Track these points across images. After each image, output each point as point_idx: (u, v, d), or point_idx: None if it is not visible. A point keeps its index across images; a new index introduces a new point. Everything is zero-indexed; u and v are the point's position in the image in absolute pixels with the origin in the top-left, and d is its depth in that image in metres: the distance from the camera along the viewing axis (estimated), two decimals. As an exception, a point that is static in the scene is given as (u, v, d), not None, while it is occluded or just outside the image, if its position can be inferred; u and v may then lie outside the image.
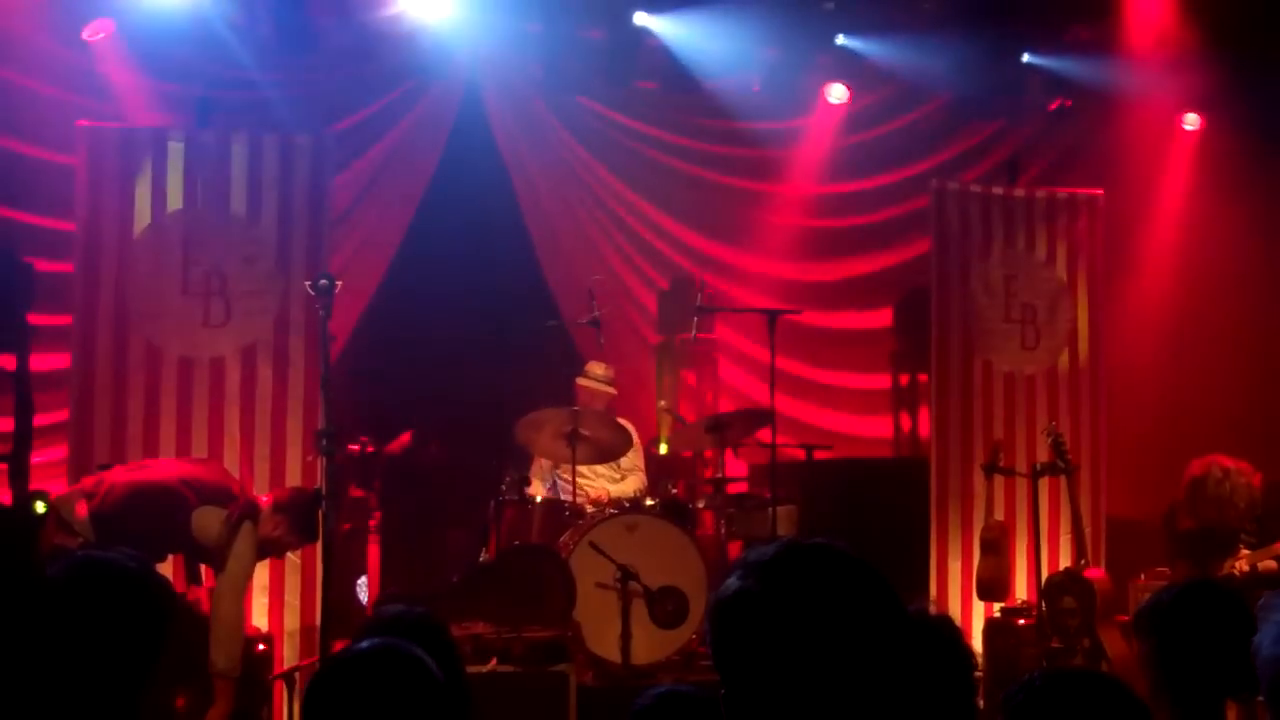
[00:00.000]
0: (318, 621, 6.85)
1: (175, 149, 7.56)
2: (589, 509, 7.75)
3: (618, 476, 8.44)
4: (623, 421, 8.31)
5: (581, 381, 8.37)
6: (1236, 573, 7.08)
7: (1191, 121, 9.96)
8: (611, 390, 8.39)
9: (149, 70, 8.18)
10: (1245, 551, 7.18)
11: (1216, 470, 7.26)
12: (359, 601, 8.25)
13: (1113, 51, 9.41)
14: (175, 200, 7.54)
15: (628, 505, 7.70)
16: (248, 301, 7.50)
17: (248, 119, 7.98)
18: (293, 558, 7.22)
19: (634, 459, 8.41)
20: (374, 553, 8.44)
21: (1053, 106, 9.96)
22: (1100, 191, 9.21)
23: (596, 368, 8.41)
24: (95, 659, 2.67)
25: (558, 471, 8.24)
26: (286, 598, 7.32)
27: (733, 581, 1.95)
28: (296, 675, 6.26)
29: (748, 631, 1.91)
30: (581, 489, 7.91)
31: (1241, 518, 7.23)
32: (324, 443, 5.64)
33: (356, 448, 8.13)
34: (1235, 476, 7.23)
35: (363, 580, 8.37)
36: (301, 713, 2.51)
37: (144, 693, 2.76)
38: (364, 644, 2.56)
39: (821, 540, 1.98)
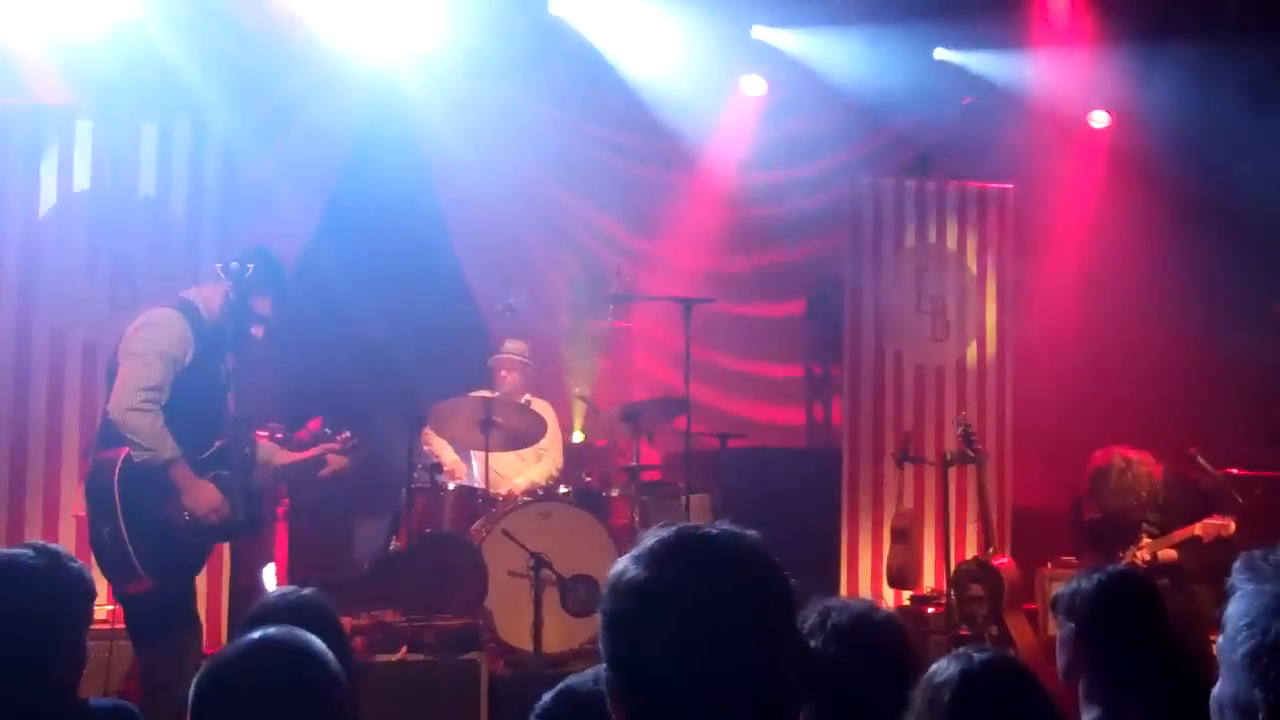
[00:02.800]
0: (223, 610, 6.78)
1: (83, 128, 7.43)
2: (511, 491, 7.75)
3: (534, 457, 8.43)
4: (541, 404, 8.30)
5: (500, 357, 8.35)
6: (1139, 562, 7.22)
7: (1100, 119, 10.12)
8: (530, 362, 8.39)
9: (57, 48, 8.00)
10: (1147, 540, 7.33)
11: (1119, 461, 7.39)
12: (266, 589, 8.16)
13: (1023, 48, 9.54)
14: (82, 181, 7.41)
15: (541, 493, 7.69)
16: (155, 286, 7.36)
17: (159, 100, 7.85)
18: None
19: (550, 440, 8.40)
20: (282, 540, 8.35)
21: (965, 102, 10.07)
22: (1010, 186, 9.34)
23: (514, 344, 8.41)
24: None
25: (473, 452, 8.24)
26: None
27: (619, 565, 1.95)
28: (202, 664, 6.18)
29: (625, 616, 1.90)
30: (496, 473, 7.88)
31: (1143, 507, 7.37)
32: (233, 429, 5.56)
33: (265, 434, 8.03)
34: (1137, 467, 7.36)
35: (270, 568, 8.28)
36: (190, 703, 2.46)
37: (64, 679, 2.77)
38: (254, 634, 2.51)
39: (716, 528, 1.94)
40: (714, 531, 1.93)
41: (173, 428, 5.47)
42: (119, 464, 5.43)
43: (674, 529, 1.95)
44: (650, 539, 1.94)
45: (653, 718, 1.87)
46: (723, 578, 1.87)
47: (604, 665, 1.94)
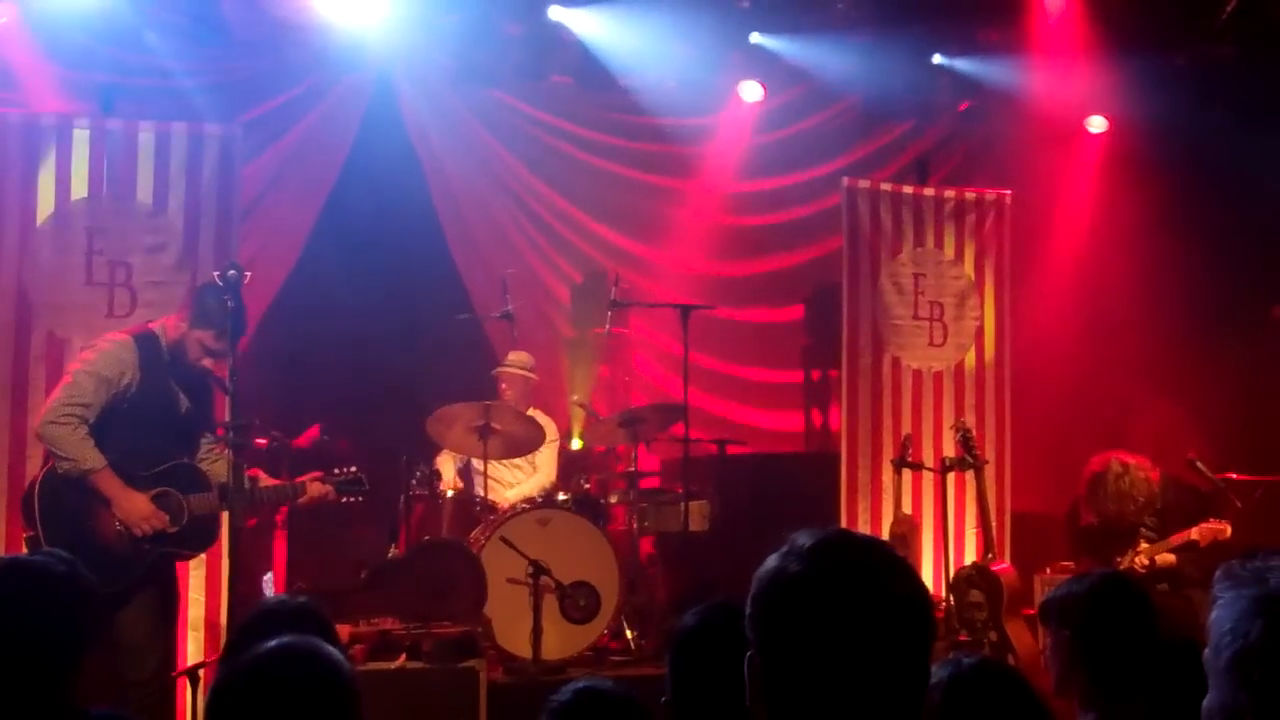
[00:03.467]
0: (223, 618, 6.77)
1: (80, 136, 7.42)
2: (501, 505, 7.74)
3: (530, 469, 8.42)
4: (542, 416, 8.29)
5: (501, 370, 8.34)
6: (1137, 566, 7.22)
7: (1097, 124, 10.13)
8: (533, 375, 8.37)
9: (53, 56, 8.01)
10: (1144, 545, 7.32)
11: (1116, 465, 7.37)
12: (265, 596, 8.15)
13: (1020, 54, 9.55)
14: (80, 189, 7.40)
15: (540, 500, 7.69)
16: (153, 293, 7.38)
17: (155, 108, 7.85)
18: (198, 553, 7.13)
19: (548, 454, 8.39)
20: (280, 548, 8.34)
21: (962, 107, 10.09)
22: (1008, 192, 9.35)
23: (516, 356, 8.38)
24: (17, 657, 2.74)
25: (473, 461, 8.22)
26: (191, 594, 7.21)
27: (772, 561, 1.98)
28: (201, 672, 6.18)
29: (781, 611, 1.93)
30: (493, 479, 7.87)
31: (1141, 512, 7.36)
32: (232, 436, 5.58)
33: (264, 441, 8.03)
34: (1134, 471, 7.35)
35: (269, 576, 8.27)
36: (207, 711, 2.48)
37: (70, 689, 2.82)
38: (271, 643, 2.53)
39: (869, 537, 2.02)
40: (865, 536, 2.01)
41: (116, 444, 5.66)
42: (42, 474, 5.71)
43: (826, 531, 1.99)
44: (804, 539, 1.97)
45: (796, 715, 1.90)
46: (879, 578, 1.92)
47: (748, 661, 1.96)
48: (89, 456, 5.58)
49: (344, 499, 6.37)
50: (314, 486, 6.21)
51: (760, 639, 1.96)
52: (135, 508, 5.63)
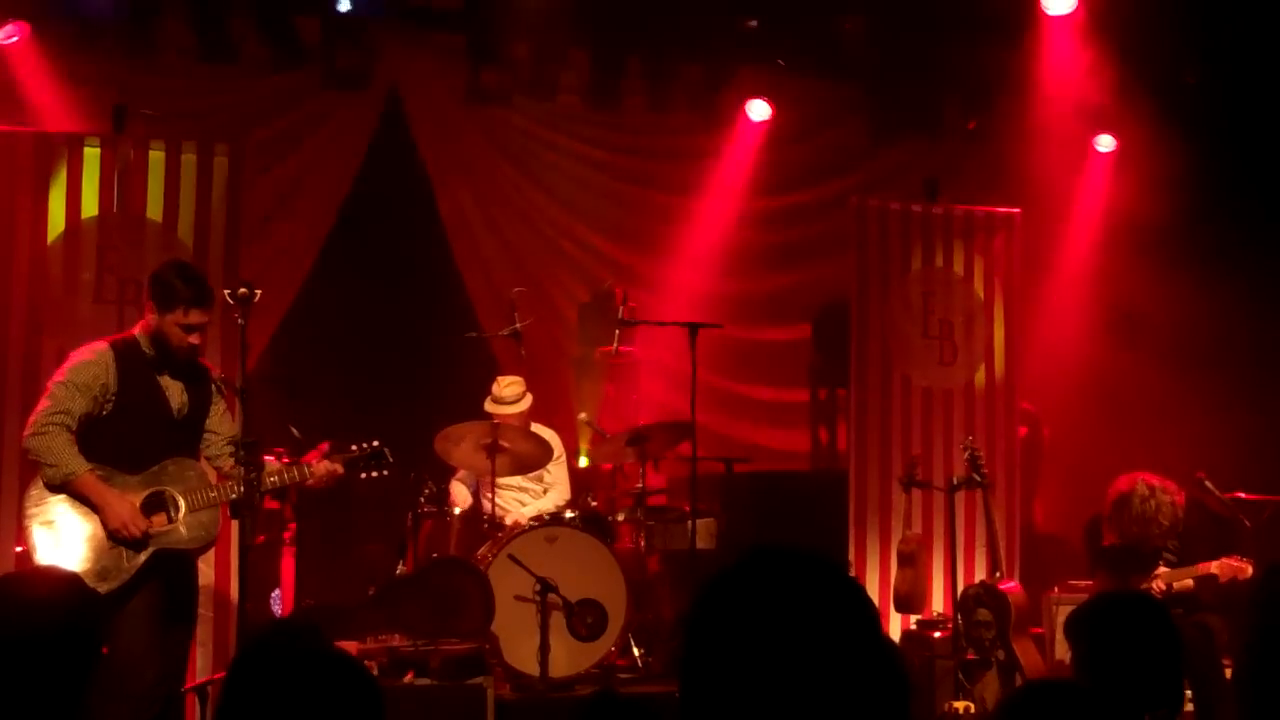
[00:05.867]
0: (232, 635, 6.77)
1: (91, 154, 7.46)
2: (509, 522, 7.73)
3: (540, 490, 8.38)
4: (545, 431, 8.24)
5: (490, 408, 8.08)
6: (1155, 590, 7.16)
7: (1105, 143, 10.13)
8: (522, 408, 8.18)
9: (64, 75, 8.05)
10: (1164, 569, 7.26)
11: (1143, 488, 7.31)
12: (273, 614, 8.15)
13: (1029, 73, 9.56)
14: (90, 206, 7.43)
15: (547, 518, 7.68)
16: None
17: (165, 126, 7.88)
18: (205, 568, 7.12)
19: (558, 472, 8.33)
20: (289, 565, 8.34)
21: (970, 126, 10.09)
22: (1017, 210, 9.34)
23: (504, 388, 8.12)
24: (29, 669, 2.77)
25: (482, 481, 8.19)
26: (200, 610, 7.20)
27: (705, 583, 1.94)
28: (209, 689, 6.18)
29: (707, 633, 1.89)
30: (501, 506, 7.85)
31: (1164, 536, 7.29)
32: (242, 453, 5.58)
33: (273, 458, 8.03)
34: (1160, 495, 7.29)
35: (277, 593, 8.27)
36: (220, 703, 2.47)
37: (80, 699, 2.85)
38: (299, 648, 2.55)
39: (795, 548, 1.95)
40: (802, 552, 1.93)
41: (105, 449, 5.64)
42: (31, 487, 5.69)
43: (752, 550, 1.94)
44: (736, 559, 1.95)
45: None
46: (800, 593, 1.87)
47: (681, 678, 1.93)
48: (71, 462, 5.56)
49: (363, 475, 6.21)
50: (320, 466, 6.08)
51: (684, 658, 1.92)
52: (119, 510, 5.57)
